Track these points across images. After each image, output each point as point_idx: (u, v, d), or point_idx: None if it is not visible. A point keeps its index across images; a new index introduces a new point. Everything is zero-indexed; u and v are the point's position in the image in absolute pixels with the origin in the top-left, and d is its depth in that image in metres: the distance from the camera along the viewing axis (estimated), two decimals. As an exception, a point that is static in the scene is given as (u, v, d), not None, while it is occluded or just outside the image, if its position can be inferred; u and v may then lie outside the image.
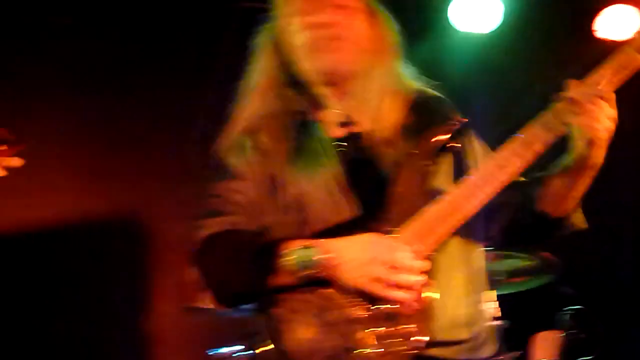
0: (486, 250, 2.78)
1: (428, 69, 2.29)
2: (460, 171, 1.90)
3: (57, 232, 3.83)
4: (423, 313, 1.72)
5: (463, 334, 1.80)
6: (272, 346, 1.77)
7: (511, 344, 2.62)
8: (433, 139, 1.89)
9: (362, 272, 1.72)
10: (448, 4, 4.17)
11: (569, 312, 3.18)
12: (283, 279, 1.73)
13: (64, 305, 3.66)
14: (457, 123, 1.92)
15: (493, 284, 2.82)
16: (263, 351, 1.78)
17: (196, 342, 3.41)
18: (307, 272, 1.73)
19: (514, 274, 3.16)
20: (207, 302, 1.95)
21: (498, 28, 4.17)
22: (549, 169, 1.86)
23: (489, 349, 1.86)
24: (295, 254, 1.73)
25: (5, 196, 3.58)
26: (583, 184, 1.85)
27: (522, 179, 1.87)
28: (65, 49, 3.88)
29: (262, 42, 2.03)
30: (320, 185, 1.89)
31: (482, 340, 1.85)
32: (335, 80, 1.97)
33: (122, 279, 3.74)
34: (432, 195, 1.81)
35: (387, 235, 1.77)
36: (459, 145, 1.93)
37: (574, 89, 1.77)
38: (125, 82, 3.94)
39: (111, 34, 4.01)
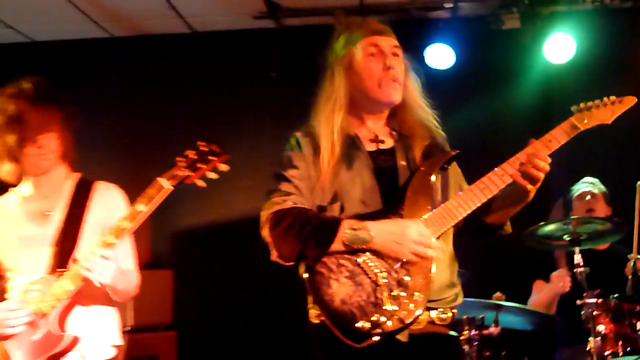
0: (568, 219, 3.39)
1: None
2: (446, 185, 2.22)
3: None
4: (425, 282, 2.01)
5: (446, 294, 2.12)
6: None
7: (591, 286, 3.30)
8: (435, 161, 2.17)
9: (395, 240, 1.99)
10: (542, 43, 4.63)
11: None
12: (337, 248, 2.02)
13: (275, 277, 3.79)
14: (451, 153, 2.21)
15: (576, 242, 3.39)
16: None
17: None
18: (358, 244, 2.01)
19: (593, 234, 3.45)
20: (275, 258, 2.13)
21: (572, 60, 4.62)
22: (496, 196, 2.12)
23: (459, 301, 2.17)
24: (352, 231, 2.01)
25: (235, 193, 4.76)
26: (516, 210, 2.21)
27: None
28: (271, 95, 4.98)
29: (336, 69, 2.23)
30: (356, 184, 2.15)
31: (456, 296, 2.16)
32: (384, 109, 2.25)
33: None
34: (432, 199, 2.10)
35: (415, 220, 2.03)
36: (448, 167, 2.23)
37: (532, 145, 2.09)
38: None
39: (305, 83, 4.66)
